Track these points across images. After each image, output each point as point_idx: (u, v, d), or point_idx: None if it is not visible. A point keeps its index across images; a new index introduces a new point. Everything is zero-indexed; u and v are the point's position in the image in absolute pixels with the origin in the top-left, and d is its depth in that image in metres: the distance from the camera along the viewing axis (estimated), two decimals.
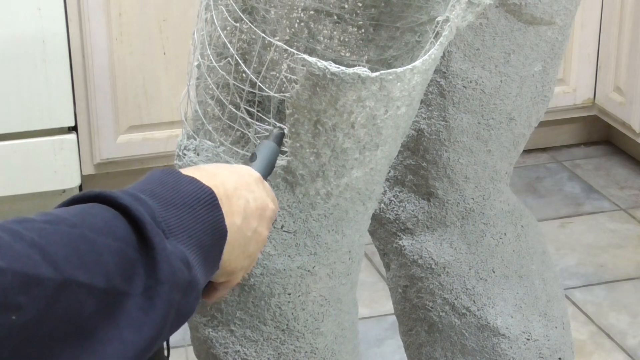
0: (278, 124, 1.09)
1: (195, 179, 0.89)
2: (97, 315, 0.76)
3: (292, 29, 1.13)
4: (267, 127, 1.10)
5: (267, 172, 1.05)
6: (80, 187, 2.51)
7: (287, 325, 1.18)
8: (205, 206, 0.88)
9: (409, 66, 1.06)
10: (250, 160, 1.04)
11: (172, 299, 0.81)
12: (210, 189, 0.89)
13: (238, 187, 0.94)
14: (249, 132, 1.11)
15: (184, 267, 0.83)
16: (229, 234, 0.91)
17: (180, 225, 0.85)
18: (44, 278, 0.73)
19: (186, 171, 0.91)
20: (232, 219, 0.92)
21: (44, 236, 0.75)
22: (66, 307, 0.74)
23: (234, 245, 0.93)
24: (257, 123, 1.10)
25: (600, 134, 3.05)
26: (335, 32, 1.13)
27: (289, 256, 1.14)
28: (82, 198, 0.84)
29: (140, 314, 0.79)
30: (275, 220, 1.12)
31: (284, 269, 1.15)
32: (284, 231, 1.13)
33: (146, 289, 0.80)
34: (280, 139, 1.07)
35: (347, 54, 1.14)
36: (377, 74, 1.04)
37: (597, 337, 2.18)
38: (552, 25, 1.35)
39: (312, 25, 1.13)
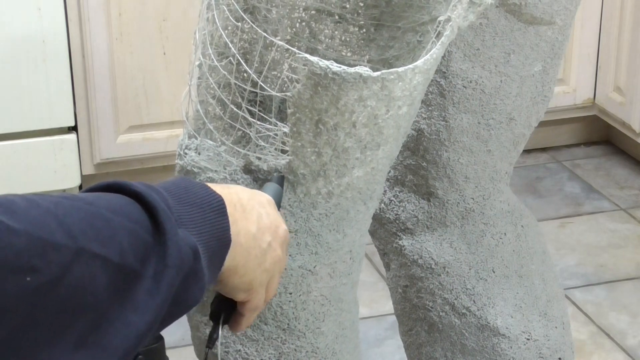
0: (280, 123, 1.09)
1: (207, 185, 0.90)
2: (109, 291, 0.77)
3: (294, 29, 1.14)
4: (269, 126, 1.10)
5: (277, 205, 1.05)
6: (80, 187, 2.51)
7: (288, 324, 1.18)
8: (214, 211, 0.88)
9: (411, 66, 1.06)
10: None
11: (176, 284, 0.82)
12: (220, 196, 0.90)
13: (252, 200, 0.95)
14: (251, 131, 1.11)
15: (191, 255, 0.83)
16: (244, 240, 0.92)
17: (191, 221, 0.86)
18: (60, 244, 0.73)
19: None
20: (248, 226, 0.93)
21: (60, 207, 0.76)
22: (80, 278, 0.74)
23: (249, 253, 0.93)
24: (259, 123, 1.10)
25: (600, 134, 3.05)
26: (336, 32, 1.13)
27: (290, 255, 1.14)
28: (95, 188, 0.85)
29: (146, 297, 0.79)
30: None
31: (285, 268, 1.15)
32: None
33: (156, 272, 0.80)
34: (281, 181, 1.09)
35: (349, 54, 1.15)
36: (378, 73, 1.04)
37: (597, 337, 2.18)
38: (552, 25, 1.35)
39: (313, 25, 1.13)
